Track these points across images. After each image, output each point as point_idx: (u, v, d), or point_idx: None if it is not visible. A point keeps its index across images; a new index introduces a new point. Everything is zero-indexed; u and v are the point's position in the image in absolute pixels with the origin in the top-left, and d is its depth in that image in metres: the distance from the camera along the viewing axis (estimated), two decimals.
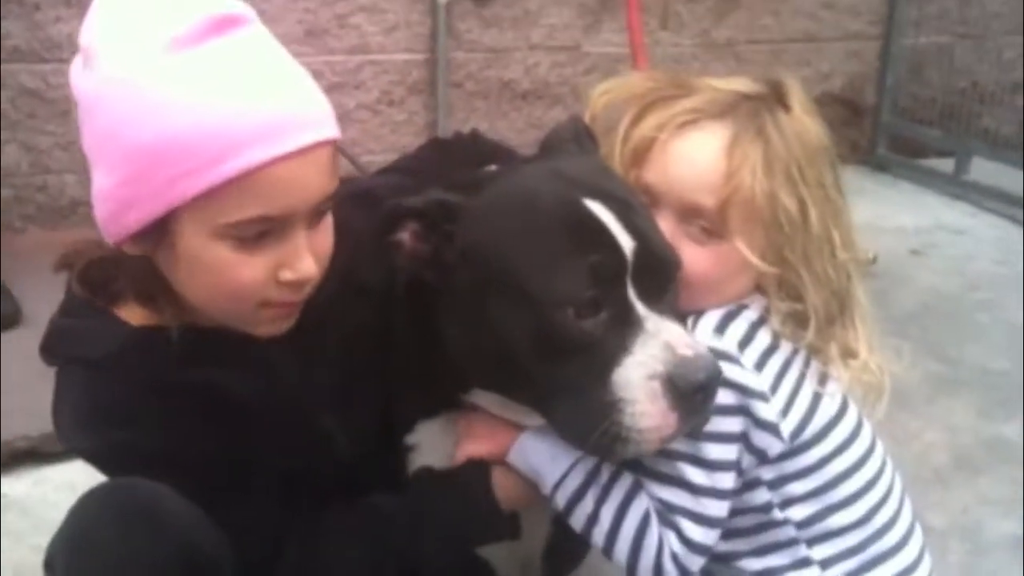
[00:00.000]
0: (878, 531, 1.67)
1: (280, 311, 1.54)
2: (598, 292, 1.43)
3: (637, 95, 1.69)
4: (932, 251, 4.46)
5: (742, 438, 1.57)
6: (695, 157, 1.59)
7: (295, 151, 1.42)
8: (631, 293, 1.45)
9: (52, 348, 1.63)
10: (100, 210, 1.46)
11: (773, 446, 1.58)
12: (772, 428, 1.56)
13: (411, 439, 1.72)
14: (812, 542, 1.64)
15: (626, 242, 1.45)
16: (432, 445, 1.71)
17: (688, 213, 1.58)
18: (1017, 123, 5.22)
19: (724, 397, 1.52)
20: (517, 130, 4.79)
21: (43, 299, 3.30)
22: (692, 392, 1.40)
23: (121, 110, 1.40)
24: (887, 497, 1.69)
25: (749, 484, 1.62)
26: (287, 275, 1.48)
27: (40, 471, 2.75)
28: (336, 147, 1.53)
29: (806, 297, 1.58)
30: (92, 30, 1.44)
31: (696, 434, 1.53)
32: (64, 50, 3.97)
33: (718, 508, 1.58)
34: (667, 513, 1.58)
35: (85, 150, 1.47)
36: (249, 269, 1.46)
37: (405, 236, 1.53)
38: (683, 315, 1.58)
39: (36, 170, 4.08)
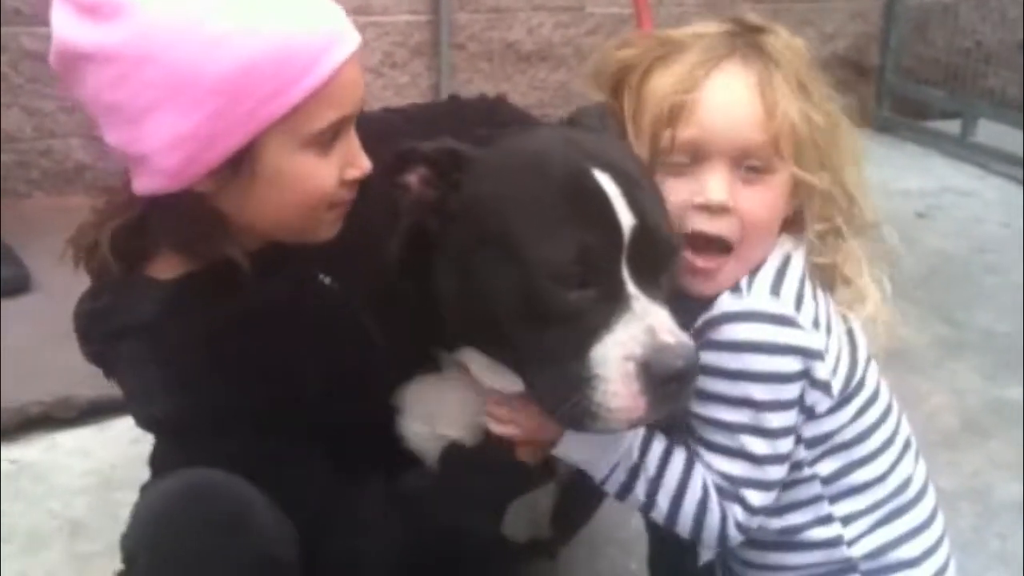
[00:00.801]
0: (897, 487, 1.69)
1: (339, 211, 1.61)
2: (587, 266, 1.42)
3: (629, 66, 1.68)
4: (938, 213, 4.46)
5: (800, 401, 1.58)
6: (731, 100, 1.60)
7: (352, 53, 1.53)
8: (625, 271, 1.44)
9: (90, 334, 1.63)
10: (172, 157, 1.46)
11: (821, 402, 1.59)
12: (824, 386, 1.58)
13: (397, 400, 1.72)
14: (834, 499, 1.66)
15: (627, 219, 1.44)
16: (418, 408, 1.72)
17: (740, 156, 1.58)
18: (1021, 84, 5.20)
19: (788, 364, 1.54)
20: (520, 92, 4.75)
21: (50, 265, 3.29)
22: (666, 379, 1.39)
23: (188, 50, 1.42)
24: (904, 453, 1.71)
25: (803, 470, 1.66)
26: (353, 173, 1.57)
27: (52, 436, 2.77)
28: None
29: (838, 208, 1.62)
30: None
31: (758, 403, 1.55)
32: None
33: (780, 472, 1.60)
34: (730, 486, 1.59)
35: (127, 103, 1.45)
36: (328, 173, 1.54)
37: (413, 179, 1.54)
38: (689, 298, 1.59)
39: (40, 134, 4.05)
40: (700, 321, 1.59)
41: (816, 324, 1.57)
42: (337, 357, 1.61)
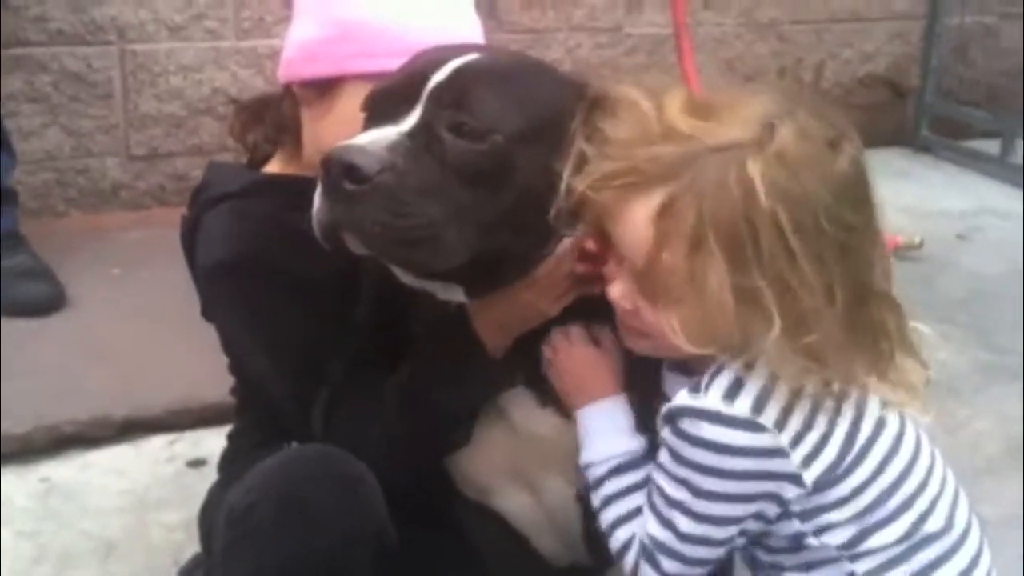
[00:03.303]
0: (925, 539, 1.62)
1: None
2: (379, 97, 1.57)
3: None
4: (978, 235, 4.40)
5: (764, 496, 1.53)
6: (631, 220, 1.48)
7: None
8: (414, 116, 1.51)
9: (192, 201, 1.88)
10: (290, 51, 1.81)
11: (794, 492, 1.53)
12: (792, 478, 1.51)
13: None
14: (855, 558, 1.61)
15: (438, 78, 1.53)
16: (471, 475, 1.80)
17: (635, 277, 1.51)
18: None
19: (735, 463, 1.49)
20: None
21: (86, 282, 3.40)
22: (325, 167, 1.45)
23: None
24: (936, 503, 1.63)
25: (777, 517, 1.58)
26: None
27: (86, 456, 2.76)
28: None
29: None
30: None
31: (696, 490, 1.51)
32: (108, 33, 3.98)
33: (707, 552, 1.57)
34: (651, 546, 1.58)
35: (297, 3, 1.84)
36: None
37: None
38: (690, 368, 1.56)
39: (78, 154, 4.07)
40: (664, 408, 1.55)
41: (780, 425, 1.49)
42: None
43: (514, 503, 1.80)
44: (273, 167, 1.90)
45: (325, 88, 1.75)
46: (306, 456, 1.66)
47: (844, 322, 1.47)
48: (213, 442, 2.59)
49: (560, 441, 1.69)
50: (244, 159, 1.97)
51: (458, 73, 1.53)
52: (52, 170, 4.05)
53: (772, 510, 1.55)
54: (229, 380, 2.02)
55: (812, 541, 1.58)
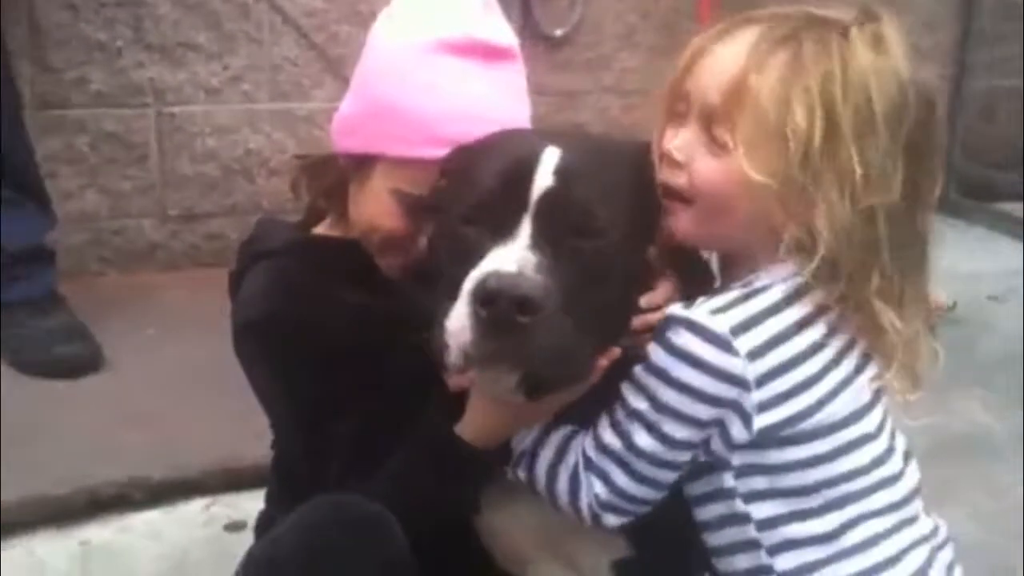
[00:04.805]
0: (853, 547, 1.61)
1: (401, 262, 1.82)
2: (482, 209, 1.51)
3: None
4: (1012, 296, 4.38)
5: (713, 424, 1.54)
6: (718, 56, 1.57)
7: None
8: (527, 224, 1.48)
9: (239, 255, 1.94)
10: (336, 123, 1.86)
11: (740, 435, 1.54)
12: (744, 416, 1.53)
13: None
14: (774, 550, 1.59)
15: (542, 182, 1.50)
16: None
17: (706, 119, 1.56)
18: None
19: (705, 383, 1.51)
20: None
21: (122, 342, 3.41)
22: (481, 300, 1.39)
23: (384, 68, 1.78)
24: (881, 513, 1.63)
25: (717, 465, 1.60)
26: (425, 244, 1.75)
27: (125, 518, 2.74)
28: None
29: (818, 238, 1.50)
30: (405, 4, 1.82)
31: (661, 404, 1.53)
32: (145, 95, 4.03)
33: (654, 473, 1.58)
34: (598, 457, 1.60)
35: (353, 76, 1.87)
36: (394, 219, 1.76)
37: None
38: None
39: (115, 214, 4.10)
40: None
41: (754, 356, 1.51)
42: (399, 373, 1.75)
43: (548, 573, 1.79)
44: (323, 227, 1.96)
45: (362, 163, 1.81)
46: (324, 503, 1.66)
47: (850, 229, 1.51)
48: (251, 505, 2.58)
49: None
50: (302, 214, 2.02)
51: (561, 175, 1.51)
52: (89, 230, 4.07)
53: (719, 445, 1.56)
54: (265, 442, 2.03)
55: (739, 506, 1.60)
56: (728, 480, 1.60)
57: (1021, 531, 2.71)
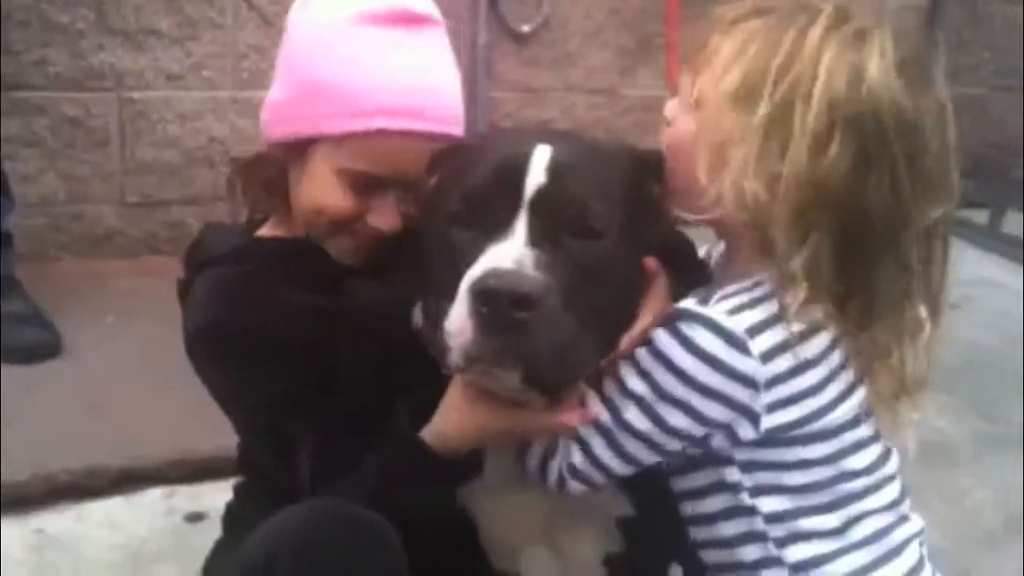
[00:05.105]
0: (859, 542, 1.62)
1: (352, 243, 1.80)
2: (472, 207, 1.51)
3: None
4: (971, 305, 4.40)
5: (721, 425, 1.55)
6: (715, 20, 1.62)
7: (406, 131, 1.71)
8: (521, 223, 1.47)
9: (185, 262, 1.89)
10: (265, 113, 1.83)
11: (747, 434, 1.55)
12: (752, 417, 1.53)
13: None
14: (782, 543, 1.61)
15: (535, 179, 1.49)
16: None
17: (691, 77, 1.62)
18: None
19: (713, 380, 1.50)
20: None
21: (80, 329, 3.35)
22: (482, 298, 1.38)
23: (306, 49, 1.77)
24: (882, 510, 1.65)
25: (718, 459, 1.60)
26: (374, 221, 1.77)
27: (82, 507, 2.70)
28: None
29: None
30: None
31: (662, 390, 1.53)
32: (107, 79, 3.97)
33: (641, 452, 1.58)
34: (584, 431, 1.59)
35: (276, 64, 1.84)
36: (341, 201, 1.75)
37: None
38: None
39: (73, 199, 4.05)
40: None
41: (767, 358, 1.51)
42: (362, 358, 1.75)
43: (538, 565, 1.78)
44: (267, 228, 1.92)
45: (300, 149, 1.78)
46: (320, 506, 1.64)
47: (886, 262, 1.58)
48: (211, 496, 2.56)
49: (588, 501, 1.68)
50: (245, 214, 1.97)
51: (554, 172, 1.50)
52: (47, 215, 4.02)
53: (721, 441, 1.57)
54: (226, 433, 1.97)
55: (745, 500, 1.60)
56: (734, 474, 1.60)
57: (978, 536, 2.75)
